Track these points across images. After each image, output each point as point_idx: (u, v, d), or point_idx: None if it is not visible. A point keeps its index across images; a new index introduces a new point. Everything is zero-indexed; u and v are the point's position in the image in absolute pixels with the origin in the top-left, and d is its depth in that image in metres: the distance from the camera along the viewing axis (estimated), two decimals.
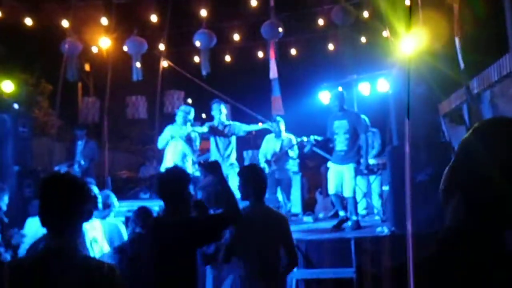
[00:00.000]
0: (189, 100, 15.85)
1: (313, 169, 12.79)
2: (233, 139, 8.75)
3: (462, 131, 8.10)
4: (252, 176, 4.04)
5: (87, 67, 14.14)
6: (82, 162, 9.46)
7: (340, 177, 7.63)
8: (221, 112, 8.66)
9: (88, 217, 2.50)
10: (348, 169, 7.54)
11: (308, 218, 9.27)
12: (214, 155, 8.62)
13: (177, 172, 3.90)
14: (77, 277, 2.16)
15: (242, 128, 8.79)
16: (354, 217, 7.58)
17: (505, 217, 1.24)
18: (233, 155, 8.74)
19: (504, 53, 7.42)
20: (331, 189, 7.76)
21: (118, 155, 12.74)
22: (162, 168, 8.51)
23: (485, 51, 8.29)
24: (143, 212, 5.83)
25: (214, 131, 8.65)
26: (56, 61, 11.74)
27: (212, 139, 8.73)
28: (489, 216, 1.24)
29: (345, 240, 6.88)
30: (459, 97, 8.88)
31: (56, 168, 9.56)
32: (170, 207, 3.76)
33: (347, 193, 7.54)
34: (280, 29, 10.85)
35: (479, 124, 1.37)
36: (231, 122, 8.74)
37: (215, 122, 8.69)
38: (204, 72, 11.44)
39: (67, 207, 2.30)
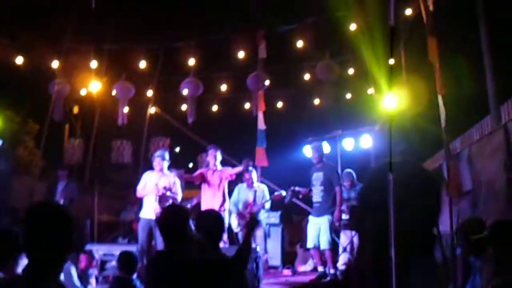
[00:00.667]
0: (177, 149, 15.84)
1: (297, 223, 12.69)
2: (224, 184, 8.63)
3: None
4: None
5: (75, 109, 14.18)
6: (61, 203, 9.35)
7: (317, 229, 7.61)
8: (216, 159, 8.57)
9: (72, 248, 2.42)
10: (323, 221, 7.55)
11: (287, 271, 9.18)
12: (204, 201, 8.50)
13: (175, 210, 4.13)
14: None
15: (230, 172, 8.70)
16: (331, 271, 7.50)
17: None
18: (221, 200, 8.53)
19: (486, 113, 7.58)
20: (309, 243, 7.72)
21: (99, 198, 12.58)
22: (141, 214, 8.41)
23: (468, 111, 8.45)
24: (127, 258, 5.65)
25: (204, 178, 8.56)
26: (44, 101, 11.78)
27: (203, 185, 8.63)
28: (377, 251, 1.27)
29: None
30: (442, 156, 8.96)
31: None
32: (171, 245, 3.83)
33: (323, 246, 7.51)
34: (266, 82, 10.95)
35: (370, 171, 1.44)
36: (221, 168, 8.66)
37: (208, 168, 8.61)
38: (189, 120, 11.46)
39: (52, 235, 2.24)
